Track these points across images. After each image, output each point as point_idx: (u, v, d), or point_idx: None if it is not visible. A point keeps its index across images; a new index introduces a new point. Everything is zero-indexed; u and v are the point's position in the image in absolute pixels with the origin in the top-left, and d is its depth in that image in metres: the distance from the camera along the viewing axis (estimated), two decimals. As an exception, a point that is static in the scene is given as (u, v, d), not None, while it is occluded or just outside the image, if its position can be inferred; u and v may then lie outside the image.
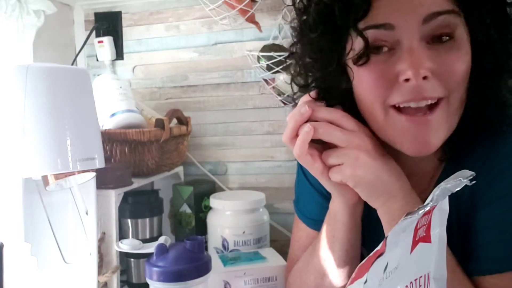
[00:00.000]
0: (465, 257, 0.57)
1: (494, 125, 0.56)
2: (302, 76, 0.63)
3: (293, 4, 0.60)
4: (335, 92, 0.59)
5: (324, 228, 0.66)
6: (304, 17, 0.58)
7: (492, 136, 0.56)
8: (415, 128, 0.53)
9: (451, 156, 0.59)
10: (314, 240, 0.69)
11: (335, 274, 0.65)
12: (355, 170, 0.55)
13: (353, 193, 0.59)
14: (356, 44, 0.54)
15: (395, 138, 0.55)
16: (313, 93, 0.60)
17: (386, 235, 0.59)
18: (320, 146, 0.59)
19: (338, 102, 0.59)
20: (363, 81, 0.55)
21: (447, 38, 0.52)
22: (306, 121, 0.57)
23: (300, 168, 0.76)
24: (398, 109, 0.54)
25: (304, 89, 0.63)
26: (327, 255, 0.66)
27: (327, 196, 0.67)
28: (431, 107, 0.53)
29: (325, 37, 0.56)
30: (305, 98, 0.61)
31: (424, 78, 0.50)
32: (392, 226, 0.59)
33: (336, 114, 0.57)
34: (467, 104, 0.55)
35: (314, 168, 0.59)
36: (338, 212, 0.63)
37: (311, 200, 0.72)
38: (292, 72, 0.64)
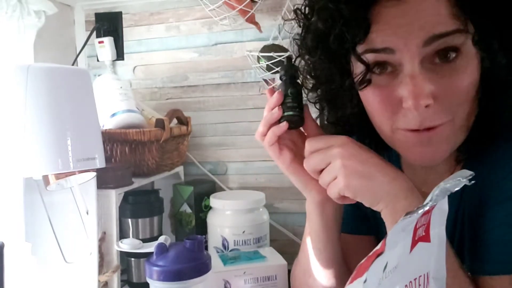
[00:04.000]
0: (471, 254, 0.57)
1: (507, 127, 0.56)
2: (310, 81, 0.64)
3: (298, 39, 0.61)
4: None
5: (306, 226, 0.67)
6: (303, 40, 0.59)
7: (506, 137, 0.56)
8: (421, 142, 0.53)
9: (467, 157, 0.59)
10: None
11: (315, 272, 0.66)
12: (347, 180, 0.53)
13: (318, 190, 0.59)
14: (357, 68, 0.54)
15: (402, 150, 0.56)
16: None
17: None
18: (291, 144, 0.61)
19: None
20: (369, 103, 0.55)
21: (454, 55, 0.50)
22: None
23: None
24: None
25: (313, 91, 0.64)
26: (307, 253, 0.67)
27: None
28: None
29: (324, 61, 0.57)
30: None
31: (426, 106, 0.50)
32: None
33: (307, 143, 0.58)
34: (480, 109, 0.55)
35: (281, 158, 0.60)
36: (310, 211, 0.64)
37: None
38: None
